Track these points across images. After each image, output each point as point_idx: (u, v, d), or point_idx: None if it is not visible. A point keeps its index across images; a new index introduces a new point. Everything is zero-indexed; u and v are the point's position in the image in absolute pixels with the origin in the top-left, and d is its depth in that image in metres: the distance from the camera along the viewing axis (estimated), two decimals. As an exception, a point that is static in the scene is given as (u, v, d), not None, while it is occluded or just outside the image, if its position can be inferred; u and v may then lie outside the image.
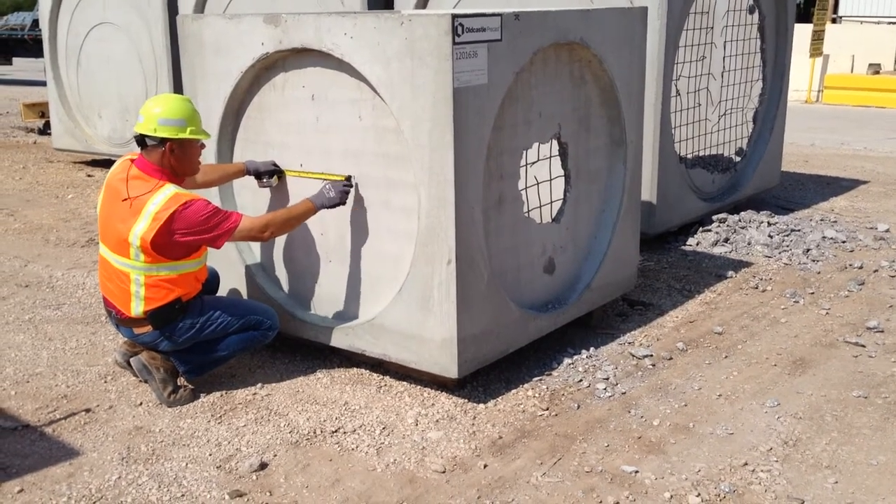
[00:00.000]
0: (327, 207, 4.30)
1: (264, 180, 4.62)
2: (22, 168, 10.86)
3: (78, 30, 10.60)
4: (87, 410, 4.22)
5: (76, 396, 4.38)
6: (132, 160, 4.19)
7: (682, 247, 6.92)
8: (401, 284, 4.22)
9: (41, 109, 13.61)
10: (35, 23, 22.55)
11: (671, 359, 4.82)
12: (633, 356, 4.83)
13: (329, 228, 4.52)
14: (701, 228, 7.19)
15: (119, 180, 4.14)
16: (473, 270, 4.12)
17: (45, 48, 10.99)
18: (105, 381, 4.55)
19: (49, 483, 3.58)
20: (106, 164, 10.88)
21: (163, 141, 4.10)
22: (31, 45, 22.49)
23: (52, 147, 11.52)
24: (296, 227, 4.38)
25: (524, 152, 4.48)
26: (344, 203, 4.32)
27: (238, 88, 4.63)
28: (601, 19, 4.78)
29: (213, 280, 4.70)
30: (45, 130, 13.45)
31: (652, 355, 4.84)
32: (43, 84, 11.70)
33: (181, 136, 4.12)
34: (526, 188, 4.55)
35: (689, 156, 7.26)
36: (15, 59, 25.36)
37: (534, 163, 4.63)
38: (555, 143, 4.72)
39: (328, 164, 4.43)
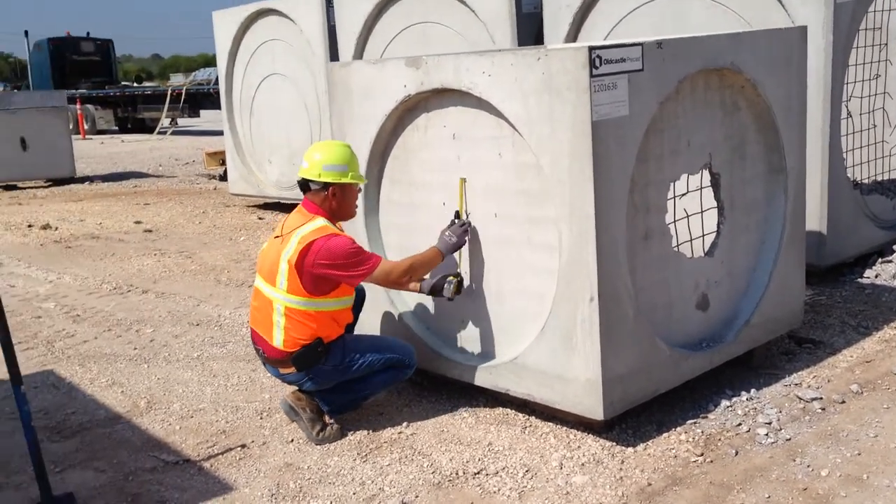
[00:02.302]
0: (451, 252, 4.41)
1: (443, 294, 4.42)
2: (202, 213, 11.61)
3: (251, 82, 11.30)
4: (243, 446, 4.38)
5: (234, 432, 4.56)
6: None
7: (859, 279, 6.41)
8: (543, 322, 4.13)
9: (222, 157, 14.55)
10: (219, 77, 24.29)
11: (843, 402, 4.44)
12: (800, 399, 4.48)
13: (473, 266, 4.50)
14: (880, 259, 6.64)
15: (284, 223, 4.39)
16: (618, 307, 3.97)
17: (222, 100, 11.78)
18: (261, 418, 4.71)
19: (203, 517, 3.73)
20: (275, 207, 11.46)
21: (326, 185, 4.29)
22: (215, 98, 24.14)
23: (229, 192, 12.26)
24: (428, 272, 4.44)
25: (672, 184, 4.31)
26: (464, 243, 4.41)
27: (383, 130, 4.74)
28: (754, 42, 4.55)
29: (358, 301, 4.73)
30: (224, 177, 14.38)
31: (821, 398, 4.47)
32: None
33: (343, 180, 4.30)
34: (675, 221, 4.36)
35: (866, 181, 6.75)
36: (202, 112, 27.42)
37: (683, 195, 4.43)
38: (706, 173, 4.50)
39: (470, 202, 4.43)
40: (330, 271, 4.17)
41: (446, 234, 4.41)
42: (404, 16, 9.04)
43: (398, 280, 4.33)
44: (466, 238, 4.42)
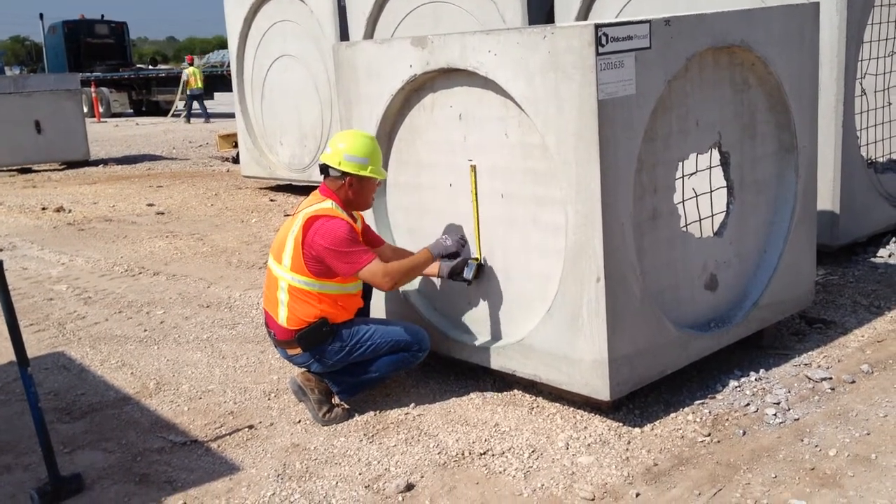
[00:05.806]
0: (444, 257, 4.42)
1: (464, 276, 4.45)
2: (214, 195, 11.63)
3: (262, 63, 11.26)
4: (251, 427, 4.39)
5: (241, 413, 4.58)
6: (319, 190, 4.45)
7: (872, 259, 6.35)
8: (550, 303, 4.11)
9: (234, 140, 14.56)
10: (232, 59, 24.28)
11: (854, 382, 4.41)
12: (810, 379, 4.45)
13: (481, 248, 4.48)
14: (894, 238, 6.57)
15: (299, 205, 4.42)
16: (624, 288, 3.94)
17: (234, 82, 11.76)
18: (269, 399, 4.73)
19: (209, 498, 3.74)
20: (287, 189, 11.47)
21: (344, 174, 4.29)
22: (228, 81, 24.11)
23: (241, 175, 12.27)
24: (417, 276, 4.47)
25: (680, 164, 4.26)
26: (460, 253, 4.45)
27: (389, 110, 4.71)
28: (765, 19, 4.48)
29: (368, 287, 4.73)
30: (237, 159, 14.39)
31: (831, 378, 4.44)
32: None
33: (362, 173, 4.29)
34: (683, 201, 4.32)
35: (880, 159, 6.67)
36: (216, 94, 27.44)
37: (692, 174, 4.39)
38: (715, 152, 4.46)
39: (477, 182, 4.40)
40: (323, 253, 4.15)
41: (443, 237, 4.46)
42: (415, -5, 8.98)
43: (380, 285, 4.23)
44: (461, 249, 4.44)
